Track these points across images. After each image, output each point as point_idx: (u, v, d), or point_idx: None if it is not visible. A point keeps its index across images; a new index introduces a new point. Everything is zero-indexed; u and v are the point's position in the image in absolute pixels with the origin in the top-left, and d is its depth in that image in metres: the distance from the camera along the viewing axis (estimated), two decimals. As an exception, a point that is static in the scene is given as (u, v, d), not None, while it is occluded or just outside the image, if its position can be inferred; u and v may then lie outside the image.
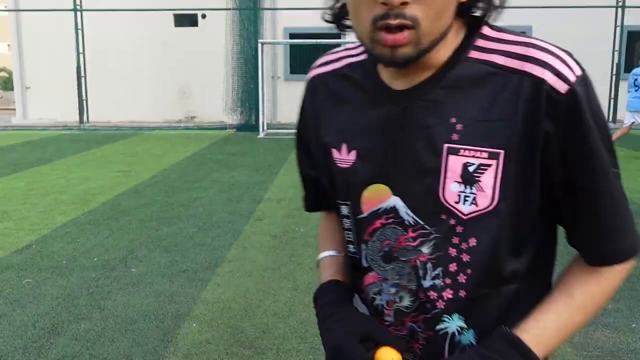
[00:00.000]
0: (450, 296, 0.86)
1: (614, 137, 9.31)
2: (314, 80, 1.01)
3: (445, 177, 0.82)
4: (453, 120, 0.81)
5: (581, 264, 0.88)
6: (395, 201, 0.87)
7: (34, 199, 6.39)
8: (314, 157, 1.04)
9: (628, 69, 18.09)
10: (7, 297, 3.56)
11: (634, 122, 9.35)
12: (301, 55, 15.90)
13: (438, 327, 0.87)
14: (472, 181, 0.81)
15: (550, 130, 0.78)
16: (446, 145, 0.81)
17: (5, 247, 4.58)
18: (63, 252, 4.44)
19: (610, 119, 15.75)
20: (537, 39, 0.82)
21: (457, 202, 0.82)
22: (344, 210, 0.97)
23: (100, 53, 16.69)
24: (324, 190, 1.04)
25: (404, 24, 0.74)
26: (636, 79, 9.22)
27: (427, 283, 0.86)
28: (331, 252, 1.08)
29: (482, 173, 0.81)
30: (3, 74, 40.81)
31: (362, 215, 0.92)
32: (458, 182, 0.82)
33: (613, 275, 0.86)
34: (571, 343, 2.95)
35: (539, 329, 0.83)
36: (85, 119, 16.11)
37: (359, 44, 0.91)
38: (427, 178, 0.83)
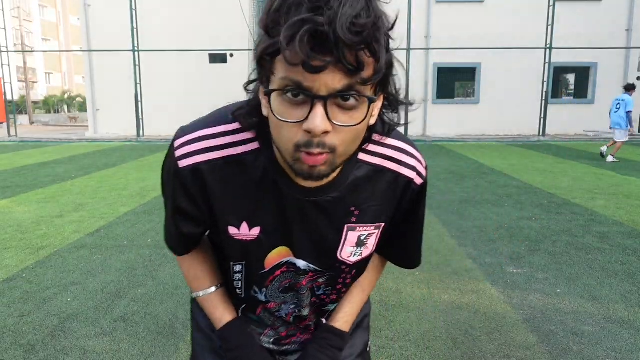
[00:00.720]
0: (334, 297, 0.97)
1: (614, 151, 9.36)
2: (201, 166, 0.78)
3: (343, 245, 0.87)
4: (352, 208, 0.83)
5: (371, 267, 1.01)
6: (296, 260, 0.88)
7: (103, 194, 6.38)
8: (199, 223, 0.87)
9: (554, 95, 18.13)
10: (82, 269, 3.56)
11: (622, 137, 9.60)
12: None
13: (324, 309, 1.00)
14: (362, 244, 0.88)
15: (408, 205, 0.89)
16: (346, 225, 0.85)
17: (80, 231, 4.58)
18: (125, 235, 4.44)
19: (541, 133, 15.73)
20: (406, 143, 0.86)
21: (349, 257, 0.89)
22: (237, 267, 0.90)
23: (153, 83, 16.70)
24: (197, 240, 0.92)
25: (324, 152, 0.66)
26: (618, 104, 9.56)
27: (319, 292, 0.95)
28: (212, 288, 0.94)
29: (369, 238, 0.88)
30: (79, 99, 40.82)
31: (264, 271, 0.88)
32: (352, 247, 0.88)
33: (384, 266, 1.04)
34: (511, 304, 2.94)
35: (345, 316, 0.98)
36: (141, 133, 16.09)
37: (237, 127, 0.78)
38: (328, 247, 0.87)
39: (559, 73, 18.49)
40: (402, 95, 0.74)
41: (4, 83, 17.60)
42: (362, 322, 1.08)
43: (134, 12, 15.52)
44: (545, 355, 2.36)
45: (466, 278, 3.37)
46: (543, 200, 5.84)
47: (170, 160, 0.81)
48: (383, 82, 0.67)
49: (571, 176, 7.63)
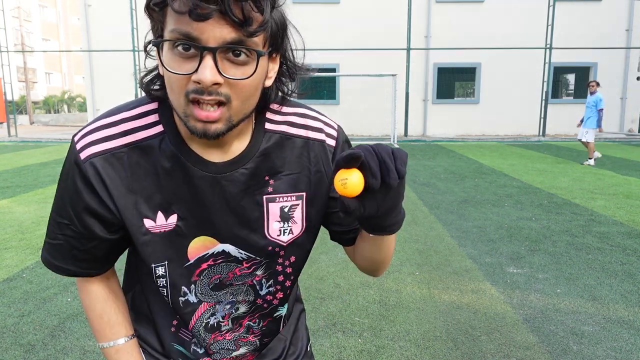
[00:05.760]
0: (281, 295, 0.92)
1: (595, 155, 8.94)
2: (104, 155, 0.75)
3: (268, 220, 0.83)
4: (266, 178, 0.81)
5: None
6: (225, 247, 0.83)
7: (103, 194, 6.37)
8: (110, 226, 0.80)
9: (554, 96, 18.14)
10: (82, 269, 3.56)
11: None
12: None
13: (275, 315, 0.94)
14: (288, 218, 0.84)
15: (330, 169, 0.86)
16: (265, 196, 0.82)
17: (80, 231, 4.58)
18: (124, 235, 4.43)
19: (541, 133, 15.73)
20: (306, 109, 0.86)
21: (278, 235, 0.85)
22: (160, 270, 0.82)
23: (153, 83, 16.72)
24: (109, 254, 0.84)
25: (218, 99, 0.66)
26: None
27: (263, 292, 0.89)
28: (124, 338, 0.87)
29: (294, 211, 0.85)
30: (79, 99, 40.89)
31: (189, 263, 0.83)
32: (278, 221, 0.84)
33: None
34: (511, 304, 2.94)
35: None
36: (141, 133, 16.10)
37: (136, 113, 0.77)
38: (253, 224, 0.82)
39: (559, 73, 18.49)
40: (300, 62, 0.77)
41: (4, 83, 17.62)
42: (299, 317, 1.06)
43: (134, 12, 15.53)
44: (545, 355, 2.37)
45: (466, 278, 3.37)
46: (543, 200, 5.85)
47: (70, 156, 0.77)
48: (275, 41, 0.70)
49: (571, 176, 7.63)
